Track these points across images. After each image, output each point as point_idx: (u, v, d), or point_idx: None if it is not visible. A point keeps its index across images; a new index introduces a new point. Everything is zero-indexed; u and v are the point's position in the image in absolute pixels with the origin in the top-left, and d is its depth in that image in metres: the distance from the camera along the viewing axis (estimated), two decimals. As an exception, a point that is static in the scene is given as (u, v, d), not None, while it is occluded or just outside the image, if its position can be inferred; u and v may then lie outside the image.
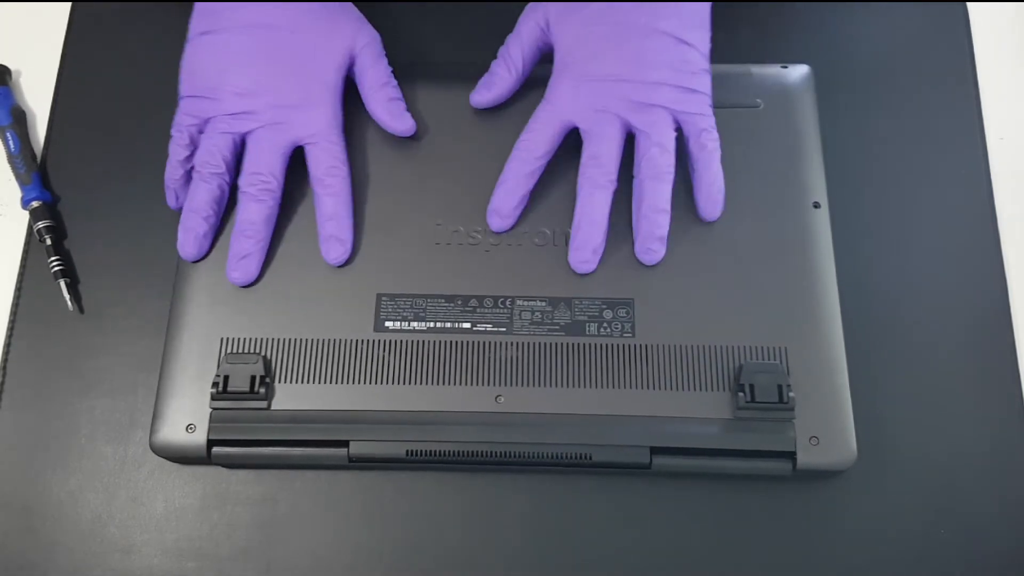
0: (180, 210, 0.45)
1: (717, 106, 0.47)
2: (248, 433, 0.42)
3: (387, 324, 0.44)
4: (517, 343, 0.44)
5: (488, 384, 0.43)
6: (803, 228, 0.46)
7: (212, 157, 0.44)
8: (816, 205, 0.46)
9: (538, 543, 0.44)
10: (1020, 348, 0.48)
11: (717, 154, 0.44)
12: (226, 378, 0.43)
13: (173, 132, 0.45)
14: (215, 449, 0.43)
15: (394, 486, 0.45)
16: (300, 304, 0.45)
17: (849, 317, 0.44)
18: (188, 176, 0.45)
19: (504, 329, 0.44)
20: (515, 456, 0.42)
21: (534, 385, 0.43)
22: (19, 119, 0.53)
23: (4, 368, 0.48)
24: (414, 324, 0.44)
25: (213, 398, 0.43)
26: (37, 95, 0.54)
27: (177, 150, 0.45)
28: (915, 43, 0.55)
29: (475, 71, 0.49)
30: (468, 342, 0.44)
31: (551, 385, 0.43)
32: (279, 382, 0.44)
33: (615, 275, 0.45)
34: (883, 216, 0.50)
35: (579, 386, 0.43)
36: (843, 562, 0.44)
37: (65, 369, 0.48)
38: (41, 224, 0.50)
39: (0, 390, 0.47)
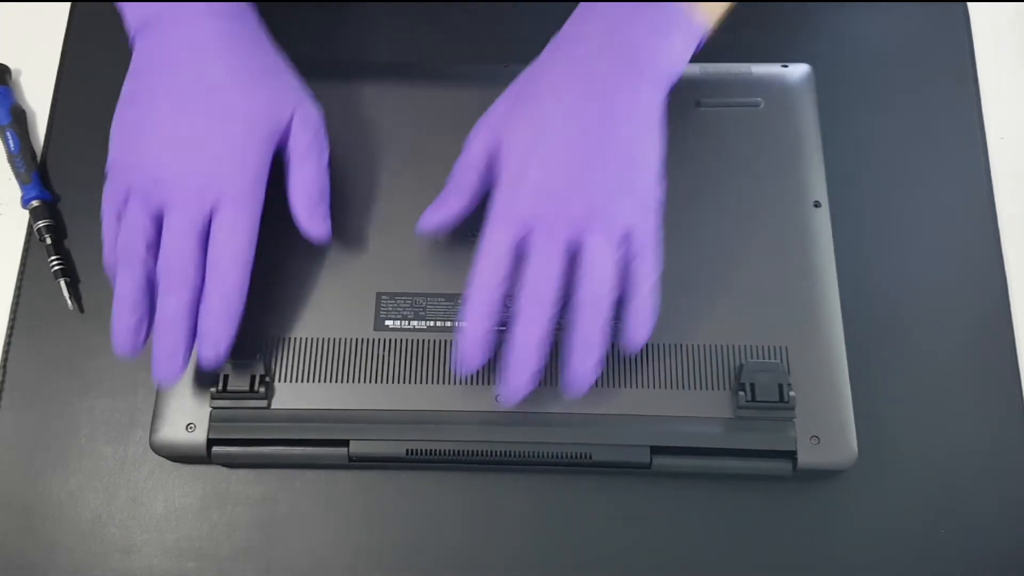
0: None
1: (718, 105, 0.47)
2: (248, 432, 0.42)
3: (387, 323, 0.44)
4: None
5: (488, 384, 0.43)
6: (803, 228, 0.46)
7: (131, 240, 0.40)
8: (816, 204, 0.46)
9: (538, 543, 0.44)
10: (1020, 348, 0.48)
11: (655, 276, 0.40)
12: (226, 377, 0.43)
13: (103, 207, 0.41)
14: (215, 448, 0.43)
15: (394, 486, 0.45)
16: (300, 303, 0.45)
17: (849, 317, 0.44)
18: None
19: (504, 328, 0.44)
20: (515, 456, 0.42)
21: (543, 384, 0.43)
22: (19, 119, 0.53)
23: (4, 368, 0.48)
24: (414, 323, 0.44)
25: (213, 397, 0.43)
26: (37, 95, 0.55)
27: (108, 231, 0.41)
28: (915, 43, 0.55)
29: (477, 71, 0.49)
30: (468, 342, 0.44)
31: (551, 384, 0.43)
32: (279, 381, 0.44)
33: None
34: (883, 216, 0.50)
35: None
36: (843, 562, 0.44)
37: (65, 369, 0.48)
38: (41, 223, 0.50)
39: (0, 390, 0.47)
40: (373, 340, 0.44)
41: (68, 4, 0.56)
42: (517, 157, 0.40)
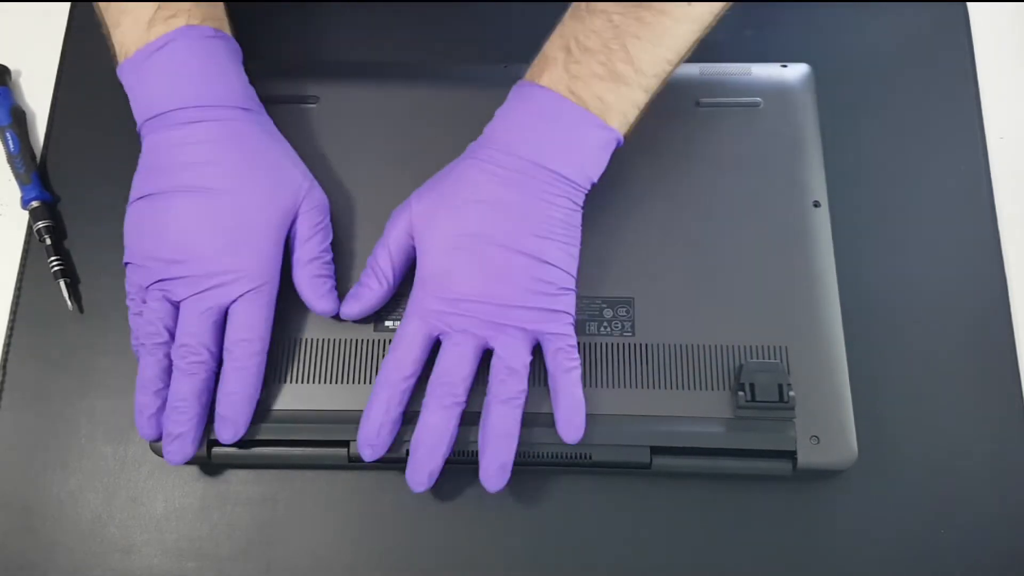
0: None
1: (717, 105, 0.47)
2: (248, 433, 0.42)
3: (387, 323, 0.44)
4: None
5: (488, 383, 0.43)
6: (803, 227, 0.46)
7: (151, 326, 0.42)
8: (816, 204, 0.46)
9: (538, 543, 0.44)
10: (1020, 348, 0.48)
11: (576, 374, 0.41)
12: (226, 378, 0.43)
13: (128, 303, 0.44)
14: (215, 449, 0.43)
15: (394, 486, 0.45)
16: (300, 304, 0.44)
17: (849, 317, 0.44)
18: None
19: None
20: (515, 456, 0.42)
21: (534, 384, 0.43)
22: (19, 119, 0.53)
23: (4, 368, 0.48)
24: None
25: (213, 398, 0.43)
26: (37, 95, 0.54)
27: (132, 318, 0.44)
28: (915, 43, 0.55)
29: (477, 71, 0.49)
30: (468, 342, 0.44)
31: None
32: (279, 382, 0.44)
33: (615, 274, 0.45)
34: (883, 216, 0.50)
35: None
36: (843, 562, 0.44)
37: (65, 369, 0.48)
38: (41, 224, 0.50)
39: (0, 390, 0.47)
40: (373, 341, 0.44)
41: (68, 4, 0.56)
42: (432, 258, 0.42)
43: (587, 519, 0.44)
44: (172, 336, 0.42)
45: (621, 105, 0.41)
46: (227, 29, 0.45)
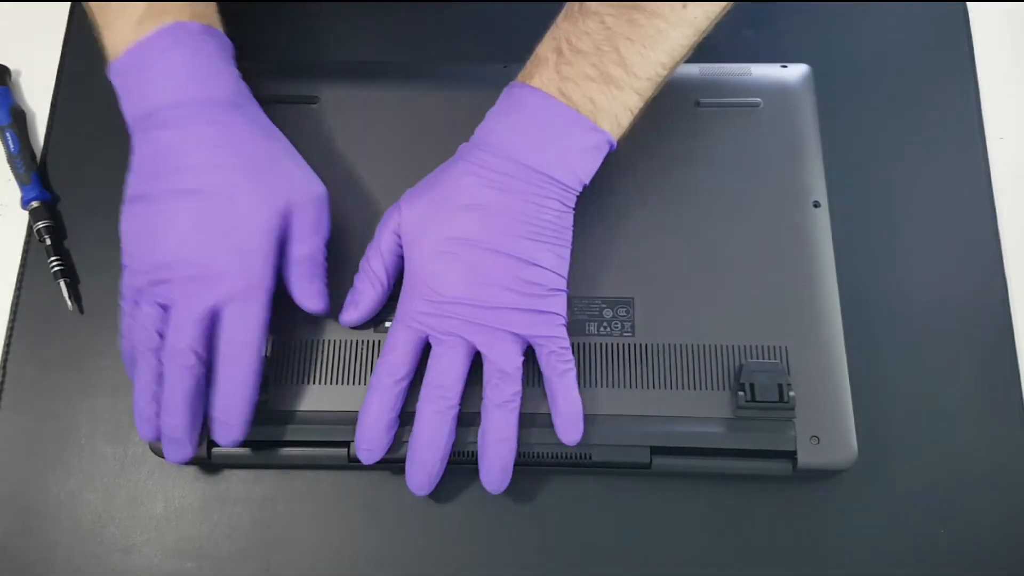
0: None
1: (717, 105, 0.47)
2: (248, 434, 0.42)
3: (387, 324, 0.44)
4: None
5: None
6: (803, 228, 0.46)
7: (144, 331, 0.41)
8: (816, 205, 0.46)
9: (538, 543, 0.44)
10: (1020, 348, 0.48)
11: (571, 375, 0.41)
12: (226, 378, 0.43)
13: (122, 303, 0.43)
14: (215, 449, 0.43)
15: (394, 486, 0.45)
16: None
17: (849, 317, 0.44)
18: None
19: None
20: (515, 456, 0.42)
21: (534, 385, 0.43)
22: (19, 119, 0.53)
23: (4, 368, 0.48)
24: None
25: (213, 398, 0.43)
26: (37, 95, 0.54)
27: (124, 319, 0.43)
28: (915, 43, 0.55)
29: (477, 71, 0.49)
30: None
31: (551, 385, 0.43)
32: (279, 382, 0.44)
33: (615, 274, 0.45)
34: (883, 216, 0.50)
35: (579, 385, 0.43)
36: (843, 562, 0.44)
37: (65, 369, 0.48)
38: (41, 224, 0.50)
39: (0, 390, 0.47)
40: (373, 342, 0.44)
41: (68, 4, 0.56)
42: (419, 262, 0.42)
43: (587, 519, 0.44)
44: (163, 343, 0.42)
45: (612, 107, 0.41)
46: (218, 26, 0.45)
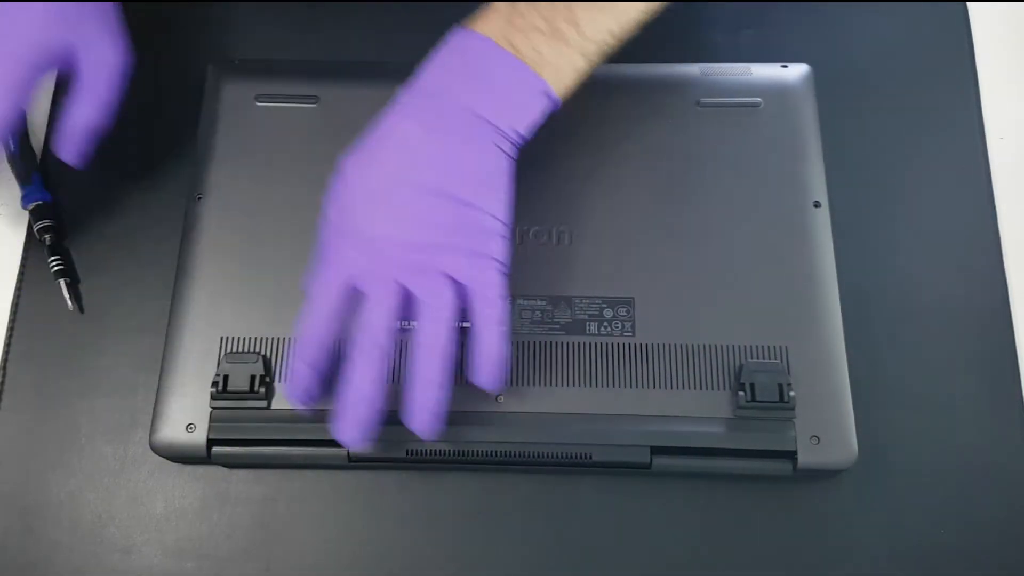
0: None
1: (718, 105, 0.47)
2: (248, 433, 0.42)
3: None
4: (517, 342, 0.44)
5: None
6: (803, 228, 0.46)
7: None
8: (816, 205, 0.46)
9: (538, 543, 0.44)
10: (1020, 348, 0.48)
11: (493, 317, 0.40)
12: (226, 377, 0.43)
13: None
14: (215, 449, 0.43)
15: (394, 486, 0.45)
16: (300, 304, 0.44)
17: (849, 317, 0.44)
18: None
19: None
20: (515, 456, 0.42)
21: (534, 384, 0.43)
22: (19, 119, 0.53)
23: (4, 368, 0.48)
24: (414, 323, 0.44)
25: (213, 397, 0.43)
26: (37, 95, 0.54)
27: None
28: (915, 43, 0.55)
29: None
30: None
31: (551, 384, 0.43)
32: (279, 382, 0.44)
33: (615, 274, 0.45)
34: (883, 216, 0.50)
35: (579, 385, 0.43)
36: (843, 562, 0.44)
37: (65, 369, 0.48)
38: (41, 224, 0.50)
39: (0, 390, 0.47)
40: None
41: (68, 4, 0.56)
42: (352, 207, 0.41)
43: (587, 519, 0.44)
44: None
45: (557, 61, 0.41)
46: None
